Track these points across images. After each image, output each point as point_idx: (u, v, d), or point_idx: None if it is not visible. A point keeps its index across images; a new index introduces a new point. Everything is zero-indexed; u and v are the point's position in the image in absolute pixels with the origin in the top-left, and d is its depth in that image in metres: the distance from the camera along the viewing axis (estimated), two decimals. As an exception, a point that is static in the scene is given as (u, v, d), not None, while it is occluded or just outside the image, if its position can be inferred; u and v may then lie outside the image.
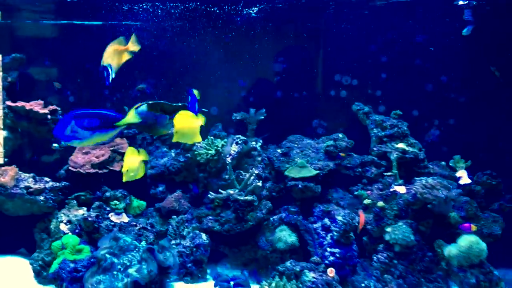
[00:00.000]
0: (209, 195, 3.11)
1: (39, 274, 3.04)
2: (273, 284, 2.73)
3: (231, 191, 3.08)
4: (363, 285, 2.92)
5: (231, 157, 3.29)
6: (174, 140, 2.29)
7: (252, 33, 3.58)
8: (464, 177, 3.21)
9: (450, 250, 2.83)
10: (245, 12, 3.47)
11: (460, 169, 3.25)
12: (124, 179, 2.39)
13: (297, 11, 3.50)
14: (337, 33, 3.54)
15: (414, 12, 3.45)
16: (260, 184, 3.11)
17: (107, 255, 2.81)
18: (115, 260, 2.79)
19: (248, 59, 3.60)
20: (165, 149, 3.57)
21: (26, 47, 3.60)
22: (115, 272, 2.74)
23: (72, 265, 2.91)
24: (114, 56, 2.42)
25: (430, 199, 2.87)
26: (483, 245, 2.78)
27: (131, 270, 2.72)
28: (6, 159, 3.27)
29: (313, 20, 3.53)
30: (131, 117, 2.29)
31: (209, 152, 3.24)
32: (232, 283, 2.83)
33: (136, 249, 2.91)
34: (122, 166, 3.31)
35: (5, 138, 3.31)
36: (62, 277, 2.87)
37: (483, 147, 3.45)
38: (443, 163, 3.34)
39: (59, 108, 3.40)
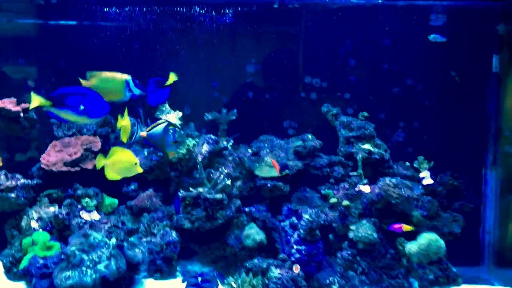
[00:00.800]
0: (179, 193, 3.17)
1: (9, 270, 3.08)
2: (239, 281, 2.81)
3: (201, 189, 3.16)
4: (328, 281, 3.01)
5: (202, 156, 3.36)
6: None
7: (225, 34, 3.65)
8: (427, 178, 3.34)
9: (411, 247, 2.95)
10: (217, 14, 3.54)
11: (423, 170, 3.37)
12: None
13: (270, 14, 3.59)
14: (308, 36, 3.63)
15: (383, 17, 3.56)
16: (229, 182, 3.18)
17: (77, 252, 2.85)
18: (85, 257, 2.84)
19: (221, 60, 3.67)
20: (138, 147, 3.62)
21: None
22: (84, 268, 2.79)
23: (42, 261, 2.95)
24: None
25: (394, 197, 2.98)
26: (442, 243, 2.91)
27: (100, 266, 2.78)
28: (-24, 156, 3.29)
29: (286, 22, 3.61)
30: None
31: (181, 151, 3.30)
32: (200, 279, 2.90)
33: (106, 246, 2.96)
34: (93, 165, 3.40)
35: (-23, 135, 3.34)
36: (32, 273, 2.91)
37: (446, 149, 3.57)
38: (408, 164, 3.45)
39: (28, 107, 3.42)
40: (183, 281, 2.93)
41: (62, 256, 2.90)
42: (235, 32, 3.64)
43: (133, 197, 3.53)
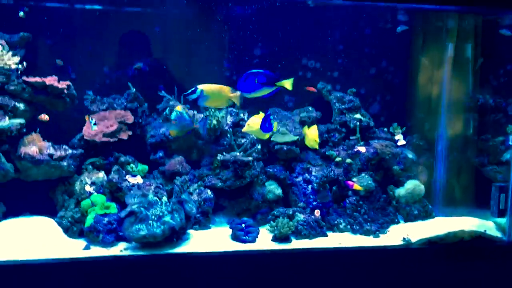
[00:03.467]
0: (218, 156, 3.77)
1: (68, 230, 3.47)
2: (279, 223, 3.53)
3: (235, 154, 3.79)
4: (336, 222, 3.83)
5: (228, 126, 3.97)
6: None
7: (237, 20, 4.24)
8: (401, 140, 4.25)
9: (400, 191, 3.89)
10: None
11: (397, 134, 4.29)
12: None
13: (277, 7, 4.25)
14: (305, 26, 4.35)
15: (363, 11, 4.40)
16: (259, 147, 3.84)
17: (142, 209, 3.36)
18: (148, 213, 3.36)
19: (233, 44, 4.26)
20: (160, 120, 4.11)
21: (30, 27, 3.86)
22: (150, 222, 3.31)
23: (106, 219, 3.42)
24: (216, 93, 3.31)
25: (386, 154, 3.87)
26: (423, 187, 3.88)
27: (166, 218, 3.31)
28: (24, 129, 3.58)
29: (293, 17, 4.29)
30: (287, 83, 3.37)
31: (213, 122, 3.88)
32: (243, 225, 3.56)
33: (160, 203, 3.50)
34: (128, 135, 3.86)
35: (22, 110, 3.60)
36: (99, 229, 3.36)
37: (410, 117, 4.53)
38: (385, 129, 4.35)
39: (70, 83, 3.76)
40: (230, 227, 3.57)
41: (122, 214, 3.38)
42: (246, 19, 4.24)
43: (161, 163, 4.04)
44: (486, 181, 4.26)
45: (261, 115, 3.47)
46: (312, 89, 4.23)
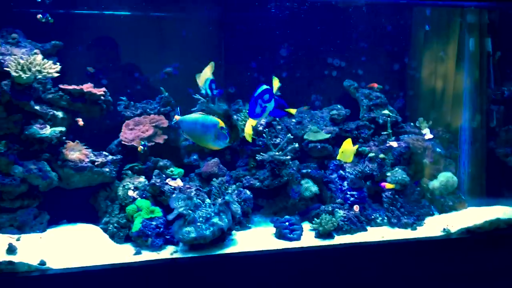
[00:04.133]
0: (257, 157, 3.81)
1: (115, 235, 3.48)
2: (323, 220, 3.58)
3: (272, 153, 3.83)
4: (373, 216, 3.90)
5: (262, 127, 4.02)
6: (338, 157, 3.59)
7: (268, 23, 4.30)
8: (428, 134, 4.34)
9: (434, 184, 3.98)
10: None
11: (424, 128, 4.38)
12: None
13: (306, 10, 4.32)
14: (332, 26, 4.42)
15: (386, 12, 4.49)
16: (297, 145, 3.90)
17: (189, 211, 3.39)
18: (195, 215, 3.39)
19: (259, 45, 4.31)
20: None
21: (62, 35, 3.86)
22: (198, 224, 3.34)
23: (153, 223, 3.44)
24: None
25: (418, 148, 3.96)
26: (456, 179, 3.98)
27: (215, 220, 3.34)
28: (64, 137, 3.58)
29: (322, 19, 4.37)
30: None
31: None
32: (287, 223, 3.61)
33: (204, 205, 3.53)
34: (164, 139, 3.88)
35: (61, 118, 3.60)
36: (147, 233, 3.38)
37: (433, 110, 4.64)
38: (412, 124, 4.44)
39: (106, 90, 3.77)
40: (275, 226, 3.62)
41: (170, 217, 3.40)
42: (271, 20, 4.30)
43: (196, 166, 4.07)
44: (510, 170, 4.39)
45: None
46: (374, 84, 4.31)
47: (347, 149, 3.54)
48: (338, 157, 3.59)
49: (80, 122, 3.65)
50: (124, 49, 4.11)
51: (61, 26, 3.89)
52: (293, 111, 3.23)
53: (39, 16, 3.59)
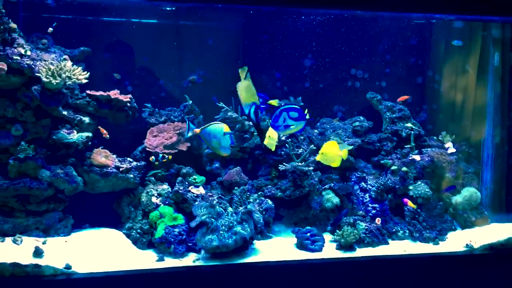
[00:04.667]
0: (280, 167, 3.82)
1: (137, 241, 3.50)
2: (344, 232, 3.57)
3: (295, 163, 3.84)
4: (394, 230, 3.88)
5: (284, 137, 4.02)
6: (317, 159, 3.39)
7: (291, 36, 4.32)
8: (451, 148, 4.32)
9: (457, 199, 3.95)
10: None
11: (447, 141, 4.36)
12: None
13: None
14: (356, 38, 4.43)
15: (408, 23, 4.49)
16: (318, 158, 3.88)
17: (212, 219, 3.40)
18: (218, 223, 3.40)
19: (283, 54, 4.33)
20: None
21: (88, 41, 3.92)
22: (221, 232, 3.35)
23: (176, 230, 3.46)
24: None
25: (442, 162, 3.94)
26: (479, 194, 3.95)
27: (237, 229, 3.35)
28: (90, 143, 3.62)
29: (345, 30, 4.39)
30: None
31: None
32: (308, 234, 3.61)
33: (226, 213, 3.55)
34: (187, 147, 3.90)
35: (87, 124, 3.65)
36: (170, 240, 3.40)
37: (454, 125, 4.61)
38: (435, 137, 4.42)
39: (132, 97, 3.82)
40: (296, 236, 3.61)
41: (192, 224, 3.41)
42: (296, 31, 4.32)
43: (217, 174, 4.08)
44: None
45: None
46: (405, 98, 4.32)
47: (329, 151, 3.35)
48: (317, 158, 3.42)
49: (105, 133, 3.68)
50: (148, 57, 4.15)
51: (88, 33, 3.97)
52: (274, 102, 3.45)
53: (51, 29, 3.68)
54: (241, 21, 4.30)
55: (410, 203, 3.84)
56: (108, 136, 3.67)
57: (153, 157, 3.72)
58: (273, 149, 3.53)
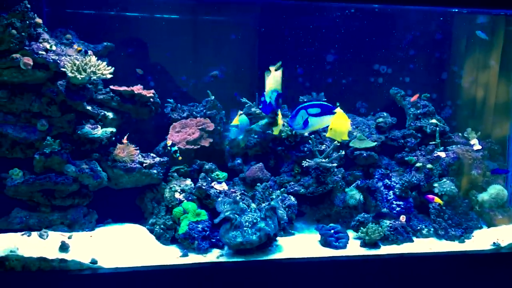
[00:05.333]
0: (303, 163, 3.79)
1: (161, 237, 3.50)
2: (369, 229, 3.53)
3: (318, 160, 3.80)
4: (419, 227, 3.83)
5: (307, 133, 3.99)
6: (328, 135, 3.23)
7: (312, 32, 4.28)
8: (476, 144, 4.24)
9: (483, 196, 3.89)
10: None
11: (472, 138, 4.28)
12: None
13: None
14: (378, 33, 4.37)
15: (436, 17, 4.41)
16: (343, 153, 3.86)
17: (236, 216, 3.38)
18: (241, 219, 3.38)
19: (306, 50, 4.29)
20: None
21: (110, 36, 3.93)
22: (245, 228, 3.33)
23: (200, 226, 3.45)
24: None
25: (468, 159, 3.88)
26: (506, 192, 3.88)
27: (261, 225, 3.32)
28: (113, 138, 3.62)
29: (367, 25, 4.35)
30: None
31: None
32: (332, 231, 3.58)
33: (250, 210, 3.53)
34: (209, 143, 3.89)
35: (111, 119, 3.65)
36: (194, 236, 3.39)
37: (480, 121, 4.53)
38: (460, 134, 4.34)
39: (154, 92, 3.81)
40: (320, 233, 3.58)
41: (216, 220, 3.40)
42: (318, 26, 4.28)
43: (239, 170, 4.06)
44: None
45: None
46: (416, 96, 4.25)
47: (338, 127, 3.19)
48: (327, 135, 3.27)
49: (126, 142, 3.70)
50: (170, 52, 4.13)
51: (110, 28, 3.97)
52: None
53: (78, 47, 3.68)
54: (263, 16, 4.25)
55: (437, 199, 3.78)
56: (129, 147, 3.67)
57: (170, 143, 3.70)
58: (276, 133, 3.55)
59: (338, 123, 3.16)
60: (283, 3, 4.23)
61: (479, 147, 4.22)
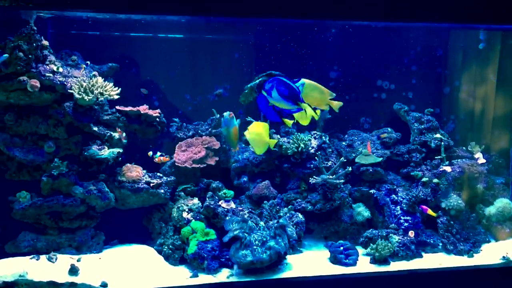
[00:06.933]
0: (310, 180, 3.79)
1: (169, 257, 3.47)
2: (379, 245, 3.52)
3: (325, 176, 3.80)
4: (427, 242, 3.82)
5: (313, 149, 3.99)
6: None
7: (319, 50, 4.32)
8: (480, 158, 4.25)
9: (490, 210, 3.90)
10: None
11: (476, 152, 4.30)
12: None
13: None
14: (381, 48, 4.41)
15: (437, 32, 4.47)
16: (350, 169, 3.86)
17: (245, 234, 3.36)
18: (251, 238, 3.36)
19: (308, 67, 4.32)
20: (243, 145, 4.14)
21: (115, 57, 3.94)
22: (254, 247, 3.31)
23: (209, 245, 3.42)
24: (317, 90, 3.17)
25: (474, 173, 3.89)
26: (513, 205, 3.88)
27: (271, 243, 3.30)
28: (120, 158, 3.61)
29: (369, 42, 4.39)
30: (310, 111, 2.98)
31: (300, 145, 3.90)
32: (342, 248, 3.56)
33: (258, 228, 3.51)
34: (215, 161, 3.88)
35: (117, 139, 3.63)
36: (203, 256, 3.36)
37: (483, 136, 4.56)
38: (464, 148, 4.36)
39: (160, 112, 3.81)
40: (330, 251, 3.56)
41: (225, 239, 3.38)
42: (321, 43, 4.31)
43: (245, 188, 4.05)
44: None
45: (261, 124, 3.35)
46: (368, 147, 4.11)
47: (257, 137, 3.29)
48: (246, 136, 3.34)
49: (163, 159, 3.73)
50: (174, 71, 4.15)
51: (114, 48, 3.98)
52: (289, 122, 3.19)
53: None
54: (267, 34, 4.28)
55: (430, 211, 3.77)
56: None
57: (150, 152, 3.70)
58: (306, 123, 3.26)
59: (254, 133, 3.28)
60: (287, 22, 4.26)
61: (484, 160, 4.23)
